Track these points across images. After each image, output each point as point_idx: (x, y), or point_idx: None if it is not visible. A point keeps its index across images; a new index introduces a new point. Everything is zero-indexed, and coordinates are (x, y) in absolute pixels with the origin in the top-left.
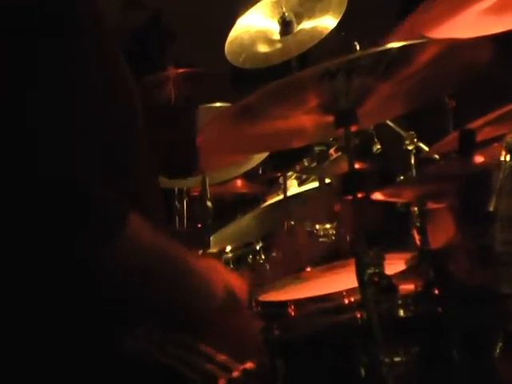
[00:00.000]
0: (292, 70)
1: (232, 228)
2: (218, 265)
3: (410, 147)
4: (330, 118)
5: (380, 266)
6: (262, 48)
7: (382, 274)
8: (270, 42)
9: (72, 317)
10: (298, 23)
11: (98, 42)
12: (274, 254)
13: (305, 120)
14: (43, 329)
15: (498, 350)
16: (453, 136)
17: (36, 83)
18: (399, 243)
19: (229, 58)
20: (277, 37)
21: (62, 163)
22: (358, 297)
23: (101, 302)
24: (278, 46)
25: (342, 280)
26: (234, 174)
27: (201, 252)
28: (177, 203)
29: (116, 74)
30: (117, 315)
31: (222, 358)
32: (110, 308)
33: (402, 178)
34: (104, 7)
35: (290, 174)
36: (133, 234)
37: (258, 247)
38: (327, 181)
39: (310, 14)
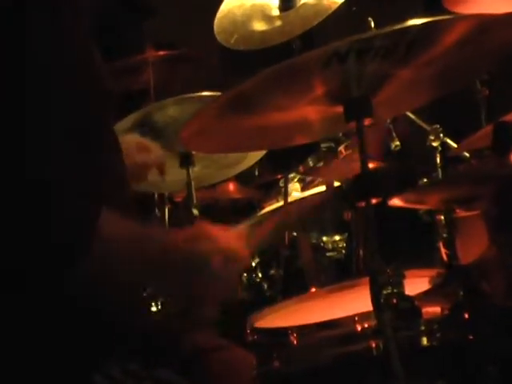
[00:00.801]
0: (294, 52)
1: None
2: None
3: (434, 144)
4: (340, 109)
5: (399, 285)
6: (258, 26)
7: (401, 295)
8: (268, 18)
9: (44, 334)
10: None
11: (68, 21)
12: (272, 272)
13: (309, 111)
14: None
15: None
16: (486, 130)
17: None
18: (422, 258)
19: (218, 37)
20: (275, 12)
21: (34, 163)
22: (373, 322)
23: (77, 314)
24: (277, 23)
25: (354, 303)
26: (224, 175)
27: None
28: (157, 211)
29: (84, 60)
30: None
31: None
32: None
33: (425, 180)
34: None
35: (291, 176)
36: (107, 237)
37: (253, 264)
38: (336, 184)
39: None
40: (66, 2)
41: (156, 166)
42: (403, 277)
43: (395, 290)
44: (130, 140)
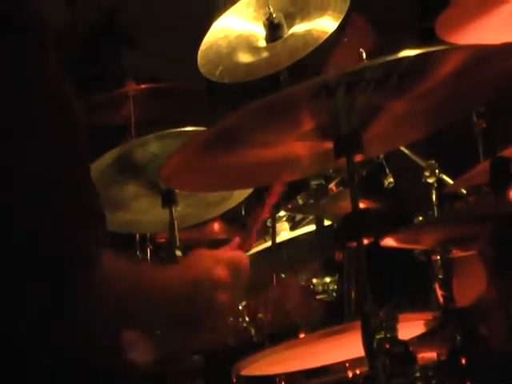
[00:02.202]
0: (281, 85)
1: None
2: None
3: (430, 180)
4: (329, 145)
5: (392, 329)
6: (244, 57)
7: (394, 340)
8: (254, 49)
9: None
10: (289, 26)
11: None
12: (260, 316)
13: (298, 147)
14: None
15: None
16: (483, 166)
17: None
18: (417, 300)
19: (202, 70)
20: (262, 43)
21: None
22: (366, 369)
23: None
24: (264, 54)
25: (345, 348)
26: (209, 214)
27: None
28: (138, 252)
29: (58, 95)
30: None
31: None
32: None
33: (420, 218)
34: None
35: (280, 214)
36: (105, 276)
37: (240, 307)
38: (326, 223)
39: (304, 14)
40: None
41: None
42: (397, 320)
43: (388, 335)
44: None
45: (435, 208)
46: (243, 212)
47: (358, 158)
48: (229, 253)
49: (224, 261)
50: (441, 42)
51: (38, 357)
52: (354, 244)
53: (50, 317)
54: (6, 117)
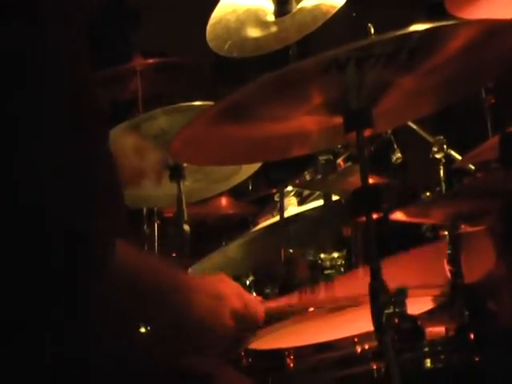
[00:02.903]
0: (290, 60)
1: (215, 258)
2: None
3: (438, 156)
4: (339, 120)
5: (401, 304)
6: (253, 32)
7: (403, 315)
8: (263, 24)
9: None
10: (298, 1)
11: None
12: (267, 291)
13: (307, 122)
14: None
15: None
16: (492, 141)
17: None
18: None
19: (211, 44)
20: (271, 18)
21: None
22: (374, 344)
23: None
24: (273, 29)
25: (353, 323)
26: (217, 189)
27: None
28: (146, 227)
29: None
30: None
31: None
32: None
33: (428, 194)
34: None
35: (288, 189)
36: (119, 263)
37: (248, 282)
38: (334, 198)
39: None
40: (53, 10)
41: (153, 172)
42: (406, 295)
43: (397, 310)
44: (127, 141)
45: (443, 184)
46: (250, 187)
47: (367, 132)
48: (250, 296)
49: (245, 299)
50: (448, 17)
51: (42, 356)
52: (364, 219)
53: (61, 315)
54: (19, 101)
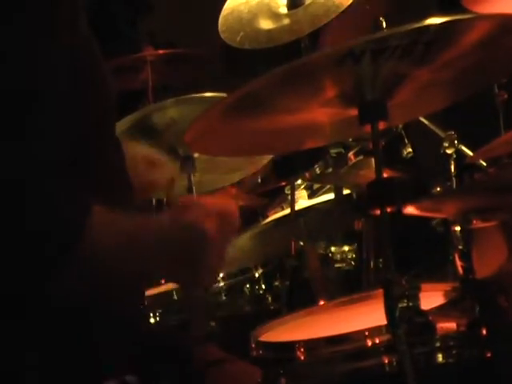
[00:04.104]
0: (302, 52)
1: None
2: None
3: (449, 151)
4: (352, 112)
5: (415, 298)
6: (265, 24)
7: (417, 310)
8: (275, 16)
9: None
10: None
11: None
12: (277, 283)
13: (320, 114)
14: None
15: None
16: (504, 137)
17: None
18: (436, 271)
19: (223, 35)
20: (283, 10)
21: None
22: (385, 338)
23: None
24: (285, 21)
25: (364, 316)
26: (226, 181)
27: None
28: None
29: (86, 58)
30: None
31: None
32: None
33: (438, 189)
34: None
35: (298, 182)
36: (97, 233)
37: (257, 274)
38: (345, 192)
39: None
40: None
41: (166, 183)
42: (419, 289)
43: (411, 304)
44: (139, 153)
45: (453, 179)
46: (259, 180)
47: (381, 125)
48: (219, 202)
49: (214, 211)
50: (460, 10)
51: (38, 316)
52: (377, 212)
53: (49, 264)
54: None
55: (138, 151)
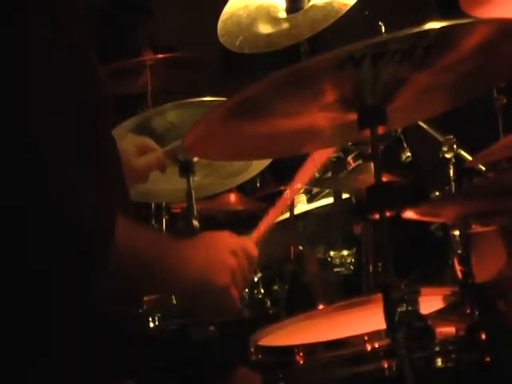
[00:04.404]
0: (302, 56)
1: None
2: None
3: (448, 155)
4: (352, 116)
5: (414, 302)
6: (265, 28)
7: (416, 314)
8: (274, 20)
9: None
10: None
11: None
12: (276, 288)
13: (320, 118)
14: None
15: None
16: (503, 142)
17: None
18: (435, 275)
19: (222, 40)
20: (283, 14)
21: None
22: (385, 342)
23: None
24: (285, 26)
25: (364, 321)
26: (226, 185)
27: None
28: (154, 222)
29: (83, 62)
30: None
31: None
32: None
33: (437, 193)
34: None
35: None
36: (123, 240)
37: (256, 279)
38: (344, 196)
39: None
40: (64, 4)
41: (158, 166)
42: (418, 294)
43: (410, 308)
44: (128, 144)
45: (452, 183)
46: (258, 184)
47: (380, 130)
48: (242, 242)
49: (237, 248)
50: (460, 14)
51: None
52: (376, 217)
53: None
54: (27, 87)
55: (126, 143)
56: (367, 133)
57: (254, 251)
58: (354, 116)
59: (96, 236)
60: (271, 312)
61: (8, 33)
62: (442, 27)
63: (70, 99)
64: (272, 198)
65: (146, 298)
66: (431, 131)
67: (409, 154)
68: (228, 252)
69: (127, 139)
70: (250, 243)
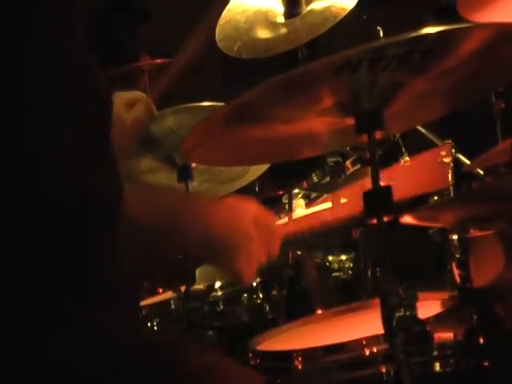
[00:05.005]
0: (300, 61)
1: None
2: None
3: (446, 160)
4: (349, 121)
5: (412, 307)
6: (262, 33)
7: (414, 319)
8: (272, 25)
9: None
10: (308, 3)
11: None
12: (274, 293)
13: (317, 123)
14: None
15: None
16: (502, 146)
17: None
18: (434, 280)
19: (220, 45)
20: (280, 19)
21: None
22: (382, 347)
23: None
24: (282, 30)
25: (362, 326)
26: (224, 190)
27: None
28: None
29: (85, 68)
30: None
31: None
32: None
33: (435, 198)
34: None
35: (295, 191)
36: (131, 210)
37: (254, 284)
38: (343, 201)
39: None
40: (66, 8)
41: (148, 113)
42: (416, 299)
43: (408, 313)
44: (117, 101)
45: (451, 188)
46: (256, 189)
47: (379, 135)
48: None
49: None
50: (458, 19)
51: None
52: (374, 221)
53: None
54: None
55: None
56: (364, 138)
57: (277, 227)
58: (351, 121)
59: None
60: (270, 317)
61: (8, 33)
62: (439, 32)
63: (73, 105)
64: (270, 203)
65: (144, 303)
66: (430, 136)
67: (407, 158)
68: (250, 221)
69: (115, 97)
70: (272, 218)
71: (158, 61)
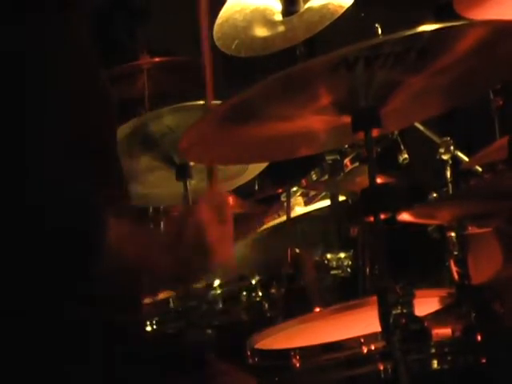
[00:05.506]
0: (297, 59)
1: None
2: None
3: (445, 157)
4: (346, 119)
5: (409, 305)
6: (260, 31)
7: (411, 316)
8: (270, 23)
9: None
10: (305, 1)
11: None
12: (273, 291)
13: (315, 121)
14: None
15: None
16: (500, 143)
17: None
18: (431, 277)
19: (218, 43)
20: (278, 17)
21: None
22: (381, 344)
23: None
24: (280, 28)
25: (360, 323)
26: (223, 189)
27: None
28: (152, 226)
29: (87, 65)
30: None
31: None
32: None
33: (434, 195)
34: None
35: (294, 189)
36: (114, 239)
37: (253, 282)
38: (341, 198)
39: None
40: (72, 8)
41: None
42: (413, 296)
43: (405, 311)
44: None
45: (449, 185)
46: (256, 187)
47: (375, 132)
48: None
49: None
50: (457, 18)
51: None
52: (371, 219)
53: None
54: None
55: None
56: (361, 135)
57: (219, 197)
58: (348, 119)
59: (87, 239)
60: (268, 315)
61: (19, 33)
62: (436, 29)
63: (74, 102)
64: (269, 201)
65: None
66: (428, 133)
67: (406, 155)
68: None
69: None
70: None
71: (157, 59)
